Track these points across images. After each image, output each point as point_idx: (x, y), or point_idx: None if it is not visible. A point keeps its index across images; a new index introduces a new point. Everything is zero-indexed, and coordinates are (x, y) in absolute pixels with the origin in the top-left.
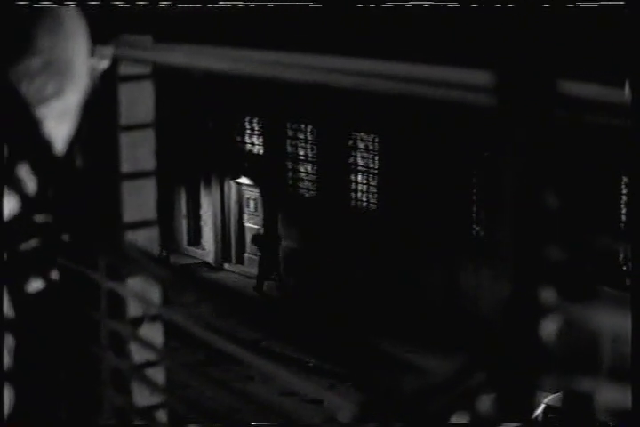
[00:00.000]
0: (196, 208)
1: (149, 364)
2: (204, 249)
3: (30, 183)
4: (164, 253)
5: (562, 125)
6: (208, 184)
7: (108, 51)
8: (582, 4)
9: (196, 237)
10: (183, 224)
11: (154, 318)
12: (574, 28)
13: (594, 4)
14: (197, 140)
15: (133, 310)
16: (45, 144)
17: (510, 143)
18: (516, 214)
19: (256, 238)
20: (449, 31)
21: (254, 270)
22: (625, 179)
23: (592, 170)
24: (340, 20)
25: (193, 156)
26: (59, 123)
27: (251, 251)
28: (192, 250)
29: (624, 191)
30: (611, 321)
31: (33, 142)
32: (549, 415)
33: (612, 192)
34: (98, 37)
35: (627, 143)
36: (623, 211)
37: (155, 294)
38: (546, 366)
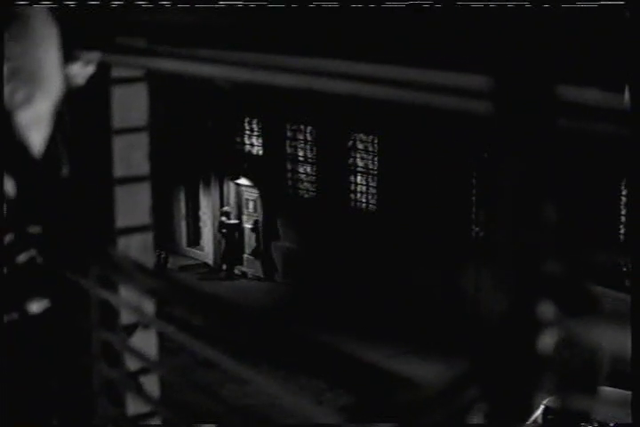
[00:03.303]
0: (195, 209)
1: (142, 372)
2: (202, 250)
3: (12, 190)
4: (164, 255)
5: (560, 131)
6: (207, 185)
7: (95, 56)
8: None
9: (195, 238)
10: (182, 225)
11: (146, 327)
12: (573, 31)
13: (594, 4)
14: (197, 141)
15: (125, 318)
16: (20, 152)
17: (509, 149)
18: (514, 222)
19: (222, 225)
20: (447, 35)
21: (253, 270)
22: (624, 186)
23: (591, 177)
24: (339, 21)
25: (192, 157)
26: (31, 130)
27: (249, 252)
28: (191, 251)
29: (623, 198)
30: (609, 335)
31: (8, 150)
32: (549, 417)
33: (612, 199)
34: (86, 42)
35: (626, 149)
36: (623, 216)
37: (147, 303)
38: (543, 377)
